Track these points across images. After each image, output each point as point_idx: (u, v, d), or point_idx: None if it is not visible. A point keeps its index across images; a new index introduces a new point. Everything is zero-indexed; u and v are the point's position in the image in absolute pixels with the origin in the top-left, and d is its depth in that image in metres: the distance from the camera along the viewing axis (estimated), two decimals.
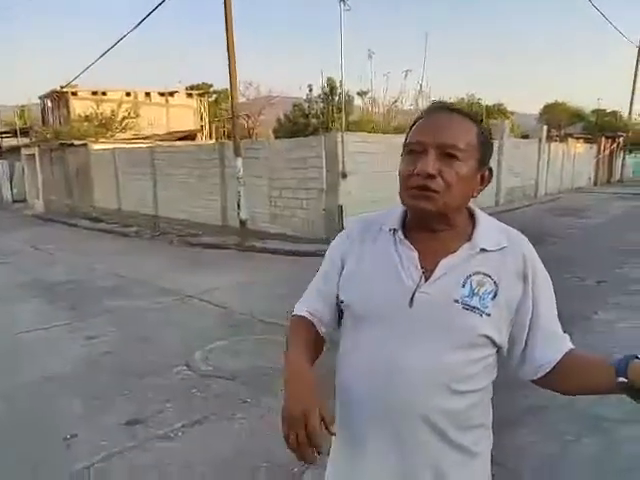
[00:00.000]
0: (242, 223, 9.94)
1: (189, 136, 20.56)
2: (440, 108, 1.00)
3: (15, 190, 22.81)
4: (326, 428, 0.88)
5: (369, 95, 20.92)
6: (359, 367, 1.02)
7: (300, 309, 1.14)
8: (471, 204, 1.06)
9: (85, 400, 3.34)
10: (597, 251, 8.03)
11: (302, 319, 1.12)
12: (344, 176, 8.78)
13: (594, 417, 2.90)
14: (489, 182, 1.04)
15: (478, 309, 0.95)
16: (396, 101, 20.77)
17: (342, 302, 1.08)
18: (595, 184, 23.50)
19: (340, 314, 1.13)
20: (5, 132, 28.72)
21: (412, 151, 0.98)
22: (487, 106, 21.88)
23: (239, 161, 9.76)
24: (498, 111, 24.71)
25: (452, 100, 20.06)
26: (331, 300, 1.12)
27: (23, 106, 30.31)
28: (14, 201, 22.16)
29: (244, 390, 3.44)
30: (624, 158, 26.13)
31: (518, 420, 2.89)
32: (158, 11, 10.89)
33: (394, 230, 1.05)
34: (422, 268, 0.99)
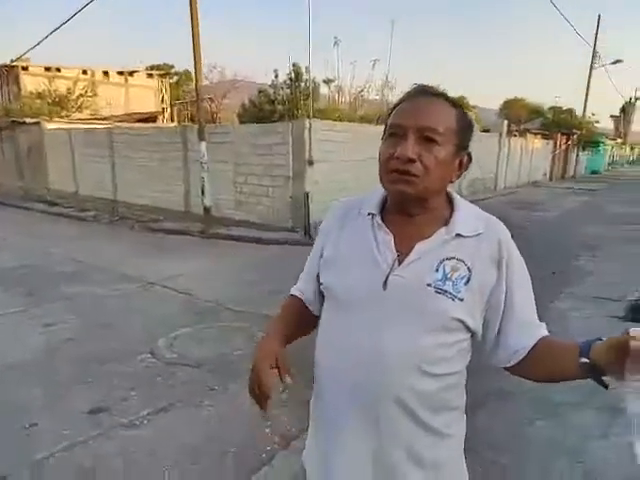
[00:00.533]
0: (206, 209, 9.76)
1: (150, 118, 19.92)
2: (422, 92, 1.01)
3: None
4: (280, 378, 1.05)
5: (335, 83, 20.88)
6: (334, 348, 1.05)
7: (293, 288, 1.24)
8: (450, 189, 1.08)
9: (46, 388, 3.22)
10: (553, 243, 8.40)
11: (292, 297, 1.22)
12: (311, 163, 8.75)
13: (551, 402, 3.06)
14: (467, 167, 1.05)
15: (450, 293, 0.96)
16: (362, 90, 20.84)
17: (322, 284, 1.11)
18: (550, 179, 24.47)
19: (323, 295, 1.15)
20: None
21: (393, 134, 0.99)
22: None
23: (203, 145, 9.54)
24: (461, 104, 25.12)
25: None
26: (314, 281, 1.16)
27: None
28: None
29: (210, 377, 3.42)
30: (578, 155, 27.34)
31: (482, 404, 3.01)
32: None
33: (372, 214, 1.06)
34: (397, 252, 1.00)
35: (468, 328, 1.00)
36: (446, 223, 1.02)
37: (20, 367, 3.55)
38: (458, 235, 1.00)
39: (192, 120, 20.60)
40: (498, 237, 1.02)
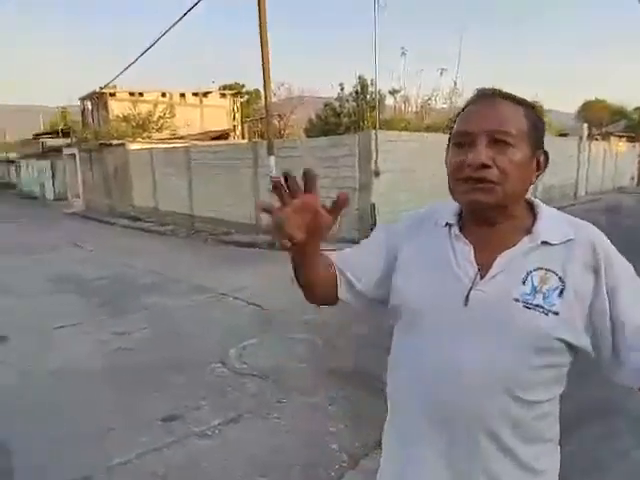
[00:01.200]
0: (267, 226, 9.96)
1: (223, 136, 20.86)
2: (485, 95, 0.94)
3: (57, 188, 23.70)
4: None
5: (401, 93, 20.71)
6: (409, 368, 0.98)
7: (338, 255, 1.08)
8: (529, 195, 0.99)
9: (121, 395, 3.39)
10: None
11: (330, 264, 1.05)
12: (377, 174, 8.69)
13: None
14: (546, 166, 0.96)
15: (542, 307, 0.87)
16: (429, 99, 20.49)
17: (394, 298, 1.03)
18: (638, 184, 22.52)
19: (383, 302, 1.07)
20: (48, 133, 29.86)
21: (459, 143, 0.92)
22: None
23: (272, 160, 9.80)
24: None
25: None
26: (370, 273, 1.06)
27: (64, 107, 31.46)
28: (55, 199, 23.02)
29: (277, 389, 3.43)
30: None
31: (576, 423, 2.75)
32: (192, 11, 11.06)
33: (449, 225, 0.99)
34: (478, 264, 0.93)
35: (570, 346, 0.88)
36: (529, 231, 0.92)
37: (97, 374, 3.77)
38: (544, 243, 0.91)
39: (262, 136, 21.31)
40: (591, 240, 0.91)
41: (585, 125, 17.86)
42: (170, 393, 3.40)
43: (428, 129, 15.75)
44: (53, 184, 24.20)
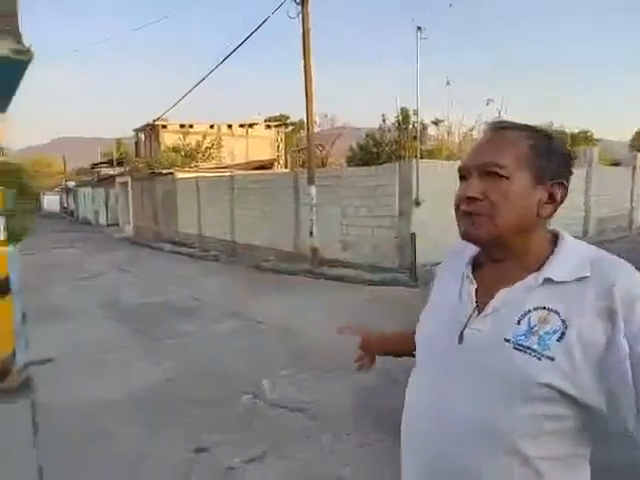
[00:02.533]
0: (314, 250, 10.02)
1: (266, 165, 21.40)
2: (489, 128, 0.93)
3: (109, 215, 24.94)
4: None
5: (444, 123, 20.63)
6: (411, 407, 0.97)
7: None
8: (558, 229, 0.92)
9: (150, 425, 3.38)
10: None
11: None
12: (417, 204, 8.59)
13: None
14: (562, 199, 0.88)
15: (534, 351, 0.78)
16: (472, 129, 20.29)
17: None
18: None
19: None
20: (103, 162, 31.66)
21: (461, 177, 0.92)
22: (572, 134, 20.63)
23: (313, 189, 9.93)
24: (584, 139, 23.26)
25: None
26: None
27: (119, 139, 33.34)
28: (108, 225, 24.20)
29: (308, 424, 3.35)
30: None
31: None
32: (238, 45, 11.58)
33: (467, 263, 0.98)
34: (479, 302, 0.89)
35: (570, 398, 0.78)
36: (540, 267, 0.86)
37: (127, 401, 3.80)
38: (548, 280, 0.83)
39: (304, 166, 21.72)
40: (611, 280, 0.78)
41: (639, 154, 17.07)
42: (199, 424, 3.37)
43: None
44: (106, 211, 25.50)
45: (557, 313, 0.80)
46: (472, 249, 0.98)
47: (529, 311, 0.82)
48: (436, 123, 20.77)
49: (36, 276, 9.25)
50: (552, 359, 0.78)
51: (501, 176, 0.85)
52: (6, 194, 3.93)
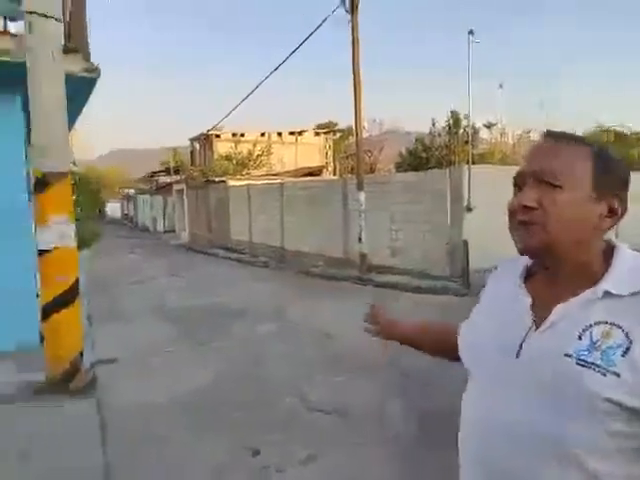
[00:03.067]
0: (362, 256, 10.01)
1: (315, 172, 21.64)
2: (546, 137, 0.92)
3: (166, 222, 26.05)
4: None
5: (497, 126, 20.06)
6: (466, 421, 0.96)
7: None
8: (614, 240, 0.90)
9: (196, 428, 3.47)
10: None
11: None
12: (469, 210, 8.40)
13: None
14: (623, 213, 0.88)
15: (599, 367, 0.77)
16: (529, 132, 19.59)
17: (460, 346, 1.04)
18: None
19: None
20: (161, 171, 33.12)
21: (516, 185, 0.91)
22: (626, 134, 19.18)
23: (361, 195, 9.94)
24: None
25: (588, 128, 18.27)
26: None
27: (175, 148, 34.78)
28: (165, 231, 25.27)
29: (353, 429, 3.35)
30: None
31: None
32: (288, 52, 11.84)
33: (519, 274, 0.97)
34: (535, 316, 0.87)
35: (636, 415, 0.77)
36: (598, 280, 0.84)
37: (177, 405, 3.94)
38: (607, 293, 0.81)
39: (352, 172, 21.77)
40: None
41: None
42: (247, 426, 3.45)
43: None
44: (164, 218, 26.66)
45: (620, 327, 0.78)
46: (525, 260, 0.97)
47: (590, 325, 0.81)
48: (489, 126, 20.25)
49: (103, 279, 9.83)
50: (618, 375, 0.76)
51: (556, 186, 0.84)
52: (77, 203, 4.22)
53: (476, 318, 1.02)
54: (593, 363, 0.78)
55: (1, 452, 2.93)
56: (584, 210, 0.85)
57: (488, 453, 0.88)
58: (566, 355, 0.81)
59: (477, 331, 0.98)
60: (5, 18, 5.47)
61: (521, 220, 0.87)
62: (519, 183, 0.90)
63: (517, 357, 0.86)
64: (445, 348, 1.17)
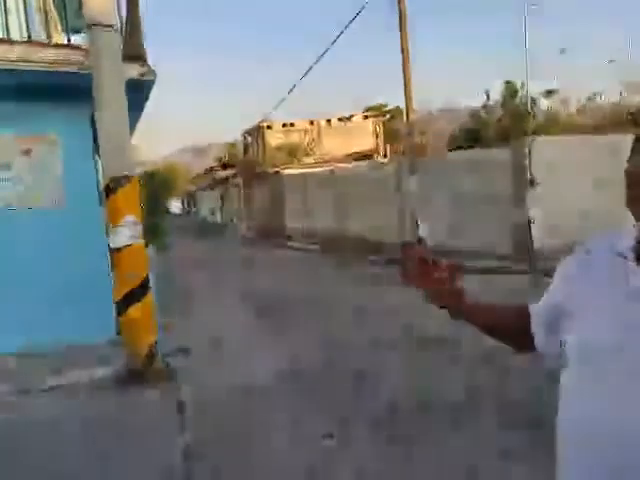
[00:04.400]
0: (420, 240, 9.83)
1: (366, 156, 21.41)
2: None
3: (224, 214, 26.90)
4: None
5: (558, 94, 18.85)
6: (577, 418, 0.87)
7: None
8: None
9: (282, 413, 3.57)
10: None
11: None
12: (532, 184, 8.00)
13: None
14: None
15: None
16: (595, 96, 18.27)
17: (560, 342, 0.94)
18: None
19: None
20: (216, 166, 34.11)
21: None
22: None
23: (414, 178, 9.74)
24: None
25: None
26: (544, 325, 1.01)
27: (230, 142, 35.63)
28: (223, 223, 26.12)
29: (435, 424, 3.32)
30: None
31: None
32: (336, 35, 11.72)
33: (624, 256, 0.87)
34: None
35: None
36: None
37: (259, 390, 4.08)
38: None
39: (405, 154, 21.34)
40: None
41: None
42: (332, 413, 3.51)
43: (595, 129, 14.01)
44: (221, 210, 27.53)
45: None
46: (620, 240, 0.89)
47: None
48: (549, 93, 19.04)
49: (175, 268, 10.32)
50: None
51: None
52: (146, 203, 4.43)
53: (582, 306, 0.91)
54: None
55: (89, 438, 3.16)
56: None
57: (618, 461, 0.81)
58: None
59: (587, 321, 0.88)
60: (67, 31, 5.81)
61: None
62: None
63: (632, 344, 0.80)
64: (512, 331, 1.08)
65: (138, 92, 4.77)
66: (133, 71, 4.46)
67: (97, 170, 4.98)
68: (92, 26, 3.75)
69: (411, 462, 2.82)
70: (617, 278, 0.86)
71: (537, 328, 1.02)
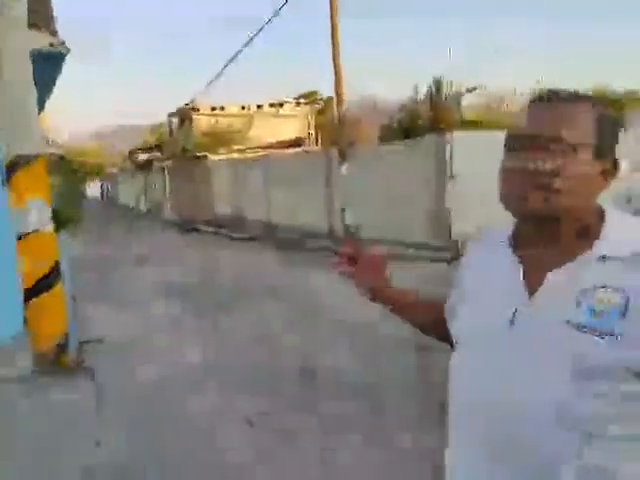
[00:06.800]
0: (347, 228, 10.04)
1: (297, 143, 21.37)
2: (551, 94, 0.88)
3: (148, 199, 25.69)
4: None
5: (479, 91, 19.92)
6: (461, 393, 0.95)
7: None
8: (604, 205, 0.90)
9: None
10: None
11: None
12: (452, 177, 8.43)
13: None
14: (615, 176, 0.87)
15: (597, 330, 0.78)
16: (513, 93, 19.51)
17: (453, 323, 1.02)
18: None
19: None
20: (140, 149, 32.45)
21: (514, 147, 0.86)
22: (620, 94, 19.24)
23: (344, 167, 9.89)
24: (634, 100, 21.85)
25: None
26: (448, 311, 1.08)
27: (154, 124, 34.01)
28: (147, 210, 24.95)
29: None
30: None
31: None
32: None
33: (503, 243, 0.95)
34: (527, 283, 0.87)
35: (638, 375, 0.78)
36: (591, 244, 0.84)
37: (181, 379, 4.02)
38: (604, 257, 0.82)
39: (335, 143, 21.57)
40: None
41: None
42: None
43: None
44: (145, 195, 26.26)
45: (617, 290, 0.79)
46: (503, 231, 0.97)
47: (587, 290, 0.81)
48: (470, 91, 20.07)
49: (94, 258, 9.72)
50: (616, 337, 0.77)
51: (565, 151, 0.82)
52: (55, 186, 4.13)
53: (466, 288, 0.99)
54: (592, 327, 0.78)
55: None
56: (589, 175, 0.84)
57: (492, 424, 0.87)
58: (564, 320, 0.80)
59: (469, 303, 0.96)
60: None
61: (533, 185, 0.83)
62: (520, 145, 0.85)
63: (511, 326, 0.86)
64: (432, 322, 1.15)
65: (47, 66, 4.40)
66: (40, 42, 4.10)
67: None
68: None
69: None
70: (497, 264, 0.94)
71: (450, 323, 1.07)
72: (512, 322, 0.86)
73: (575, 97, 0.86)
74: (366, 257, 1.19)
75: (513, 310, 0.86)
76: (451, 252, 8.09)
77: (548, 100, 0.87)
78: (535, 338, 0.83)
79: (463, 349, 0.96)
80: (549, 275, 0.85)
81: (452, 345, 1.07)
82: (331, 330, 4.97)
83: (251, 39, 12.28)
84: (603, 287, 0.80)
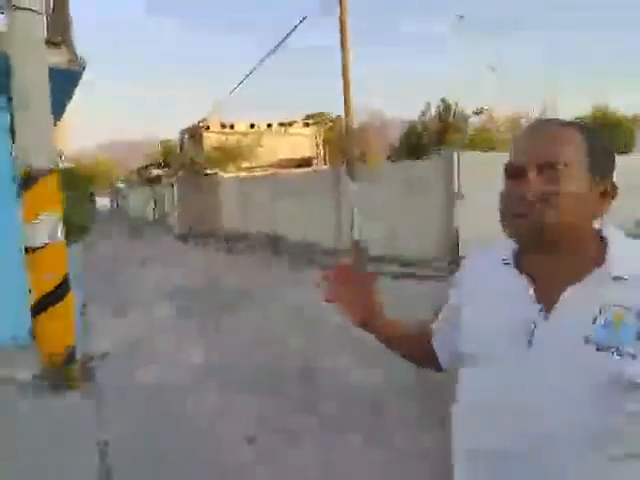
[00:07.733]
0: (355, 243, 10.05)
1: (306, 163, 21.58)
2: (539, 123, 0.93)
3: (157, 213, 25.93)
4: None
5: (486, 112, 20.09)
6: (482, 409, 0.92)
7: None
8: (602, 226, 0.92)
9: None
10: None
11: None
12: (460, 197, 8.45)
13: None
14: (614, 198, 0.90)
15: (615, 349, 0.79)
16: (521, 117, 19.67)
17: (458, 347, 1.00)
18: None
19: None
20: (151, 164, 32.87)
21: (511, 174, 0.89)
22: (619, 117, 19.08)
23: (353, 185, 9.95)
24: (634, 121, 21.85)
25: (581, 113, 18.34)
26: (447, 337, 1.06)
27: (165, 140, 34.48)
28: (155, 222, 25.16)
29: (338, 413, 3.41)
30: None
31: None
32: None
33: (506, 262, 0.95)
34: (540, 302, 0.87)
35: None
36: (599, 263, 0.85)
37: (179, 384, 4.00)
38: (617, 277, 0.83)
39: (344, 162, 21.76)
40: None
41: None
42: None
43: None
44: (154, 209, 26.52)
45: (631, 309, 0.81)
46: (503, 250, 0.97)
47: (603, 308, 0.82)
48: (477, 113, 20.25)
49: (105, 269, 9.79)
50: (634, 356, 0.78)
51: (560, 175, 0.84)
52: (66, 198, 4.19)
53: (472, 312, 0.98)
54: (610, 346, 0.79)
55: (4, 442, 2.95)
56: (585, 197, 0.86)
57: (512, 442, 0.86)
58: (582, 339, 0.81)
59: (477, 324, 0.95)
60: None
61: (526, 211, 0.85)
62: (516, 172, 0.88)
63: (529, 347, 0.86)
64: (420, 353, 1.15)
65: (64, 81, 4.51)
66: (59, 59, 4.21)
67: (13, 161, 4.63)
68: (12, 8, 3.50)
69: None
70: (503, 283, 0.94)
71: (439, 348, 1.09)
72: (530, 343, 0.85)
73: (565, 123, 0.90)
74: (355, 287, 1.12)
75: (530, 331, 0.86)
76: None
77: (539, 128, 0.91)
78: (556, 358, 0.83)
79: (474, 372, 0.94)
80: (565, 293, 0.85)
81: (441, 370, 1.11)
82: (332, 331, 4.96)
83: (263, 59, 12.51)
84: (617, 306, 0.82)
